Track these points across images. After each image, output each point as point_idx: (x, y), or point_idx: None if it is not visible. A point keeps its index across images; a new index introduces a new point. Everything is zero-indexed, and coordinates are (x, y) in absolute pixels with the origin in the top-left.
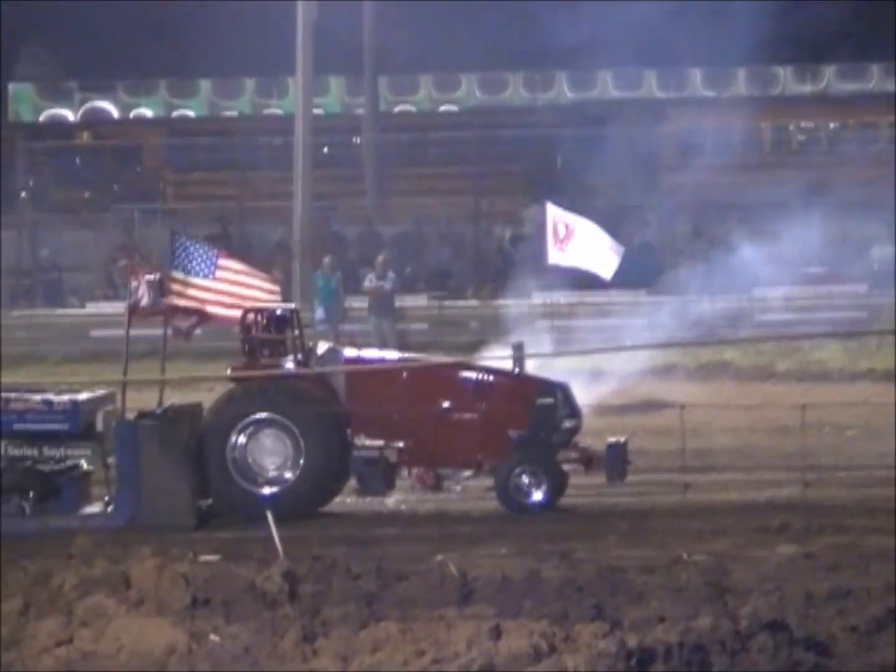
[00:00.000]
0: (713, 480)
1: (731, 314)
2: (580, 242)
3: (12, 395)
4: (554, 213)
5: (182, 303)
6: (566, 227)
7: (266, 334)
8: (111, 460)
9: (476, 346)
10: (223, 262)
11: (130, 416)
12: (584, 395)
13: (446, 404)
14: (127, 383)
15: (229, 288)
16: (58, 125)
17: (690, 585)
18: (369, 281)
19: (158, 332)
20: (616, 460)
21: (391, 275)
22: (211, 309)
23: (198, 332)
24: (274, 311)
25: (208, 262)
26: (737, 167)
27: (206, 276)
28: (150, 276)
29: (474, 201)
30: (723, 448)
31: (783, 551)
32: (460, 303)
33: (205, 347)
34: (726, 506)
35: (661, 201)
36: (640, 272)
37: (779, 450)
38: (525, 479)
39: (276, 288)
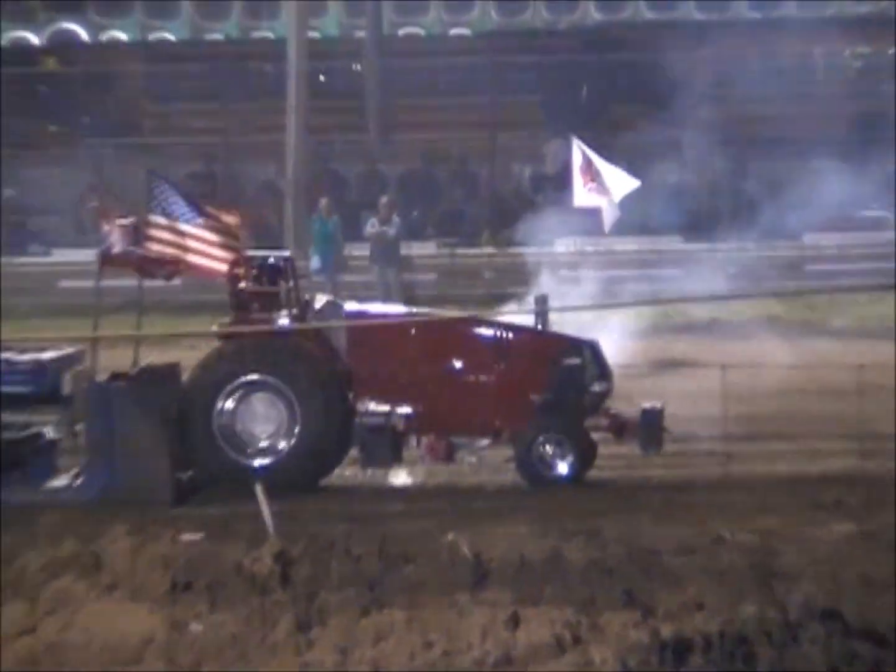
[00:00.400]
0: (759, 450)
1: (778, 263)
2: (604, 183)
3: None
4: (581, 149)
5: (161, 250)
6: (593, 164)
7: (257, 286)
8: (80, 427)
9: (492, 299)
10: (206, 209)
11: (102, 377)
12: (614, 354)
13: (460, 365)
14: (98, 340)
15: (214, 236)
16: (21, 50)
17: (733, 568)
18: (371, 226)
19: (134, 282)
20: (651, 428)
21: (396, 219)
22: (193, 258)
23: (177, 281)
24: (266, 259)
25: (190, 206)
26: (785, 98)
27: (188, 221)
28: (125, 220)
29: (489, 136)
30: (770, 414)
31: (838, 530)
32: (474, 250)
33: (186, 301)
34: (774, 479)
35: (700, 136)
36: (675, 217)
37: (833, 415)
38: (548, 449)
39: (234, 237)
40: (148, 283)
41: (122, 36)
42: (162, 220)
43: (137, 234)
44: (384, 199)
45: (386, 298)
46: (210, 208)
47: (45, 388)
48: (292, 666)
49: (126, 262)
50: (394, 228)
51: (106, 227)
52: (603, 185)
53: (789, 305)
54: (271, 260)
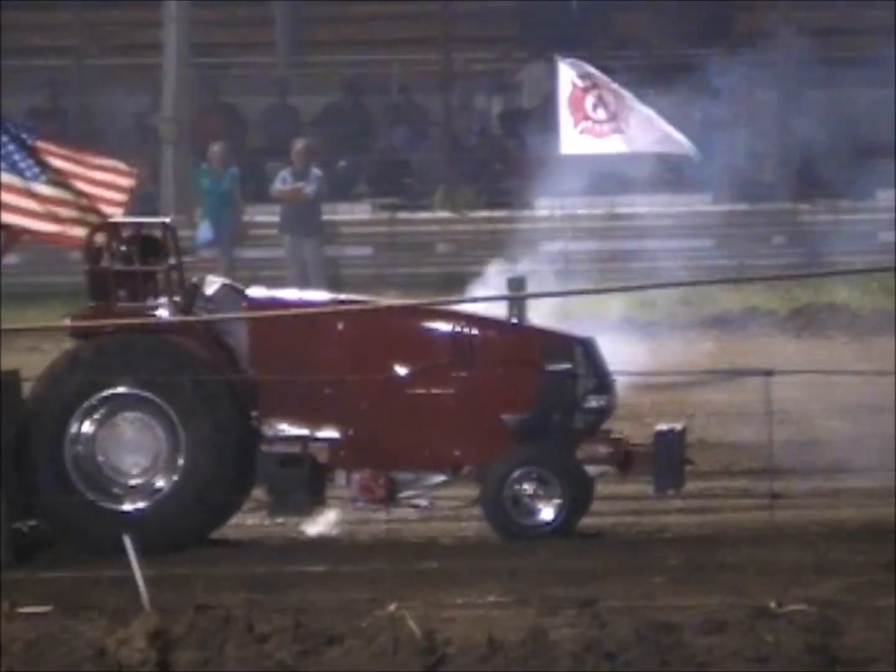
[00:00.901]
0: (815, 489)
1: (844, 230)
2: (628, 114)
3: None
4: (571, 74)
5: None
6: (589, 92)
7: (124, 264)
8: None
9: (449, 282)
10: (44, 145)
11: None
12: (616, 357)
13: (405, 373)
14: None
15: (63, 195)
16: None
17: (782, 651)
18: (282, 181)
19: None
20: (668, 459)
21: (316, 171)
22: (36, 225)
23: (11, 258)
24: (136, 228)
25: (30, 153)
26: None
27: (30, 176)
28: None
29: (443, 57)
30: (830, 439)
31: None
32: (423, 215)
33: (26, 284)
34: (835, 528)
35: (738, 57)
36: (702, 169)
37: None
38: (527, 488)
39: (128, 183)
40: None
41: None
42: None
43: None
44: (299, 144)
45: (302, 280)
46: (59, 151)
47: None
48: None
49: None
50: (312, 184)
51: None
52: (617, 117)
53: (862, 289)
54: (144, 228)
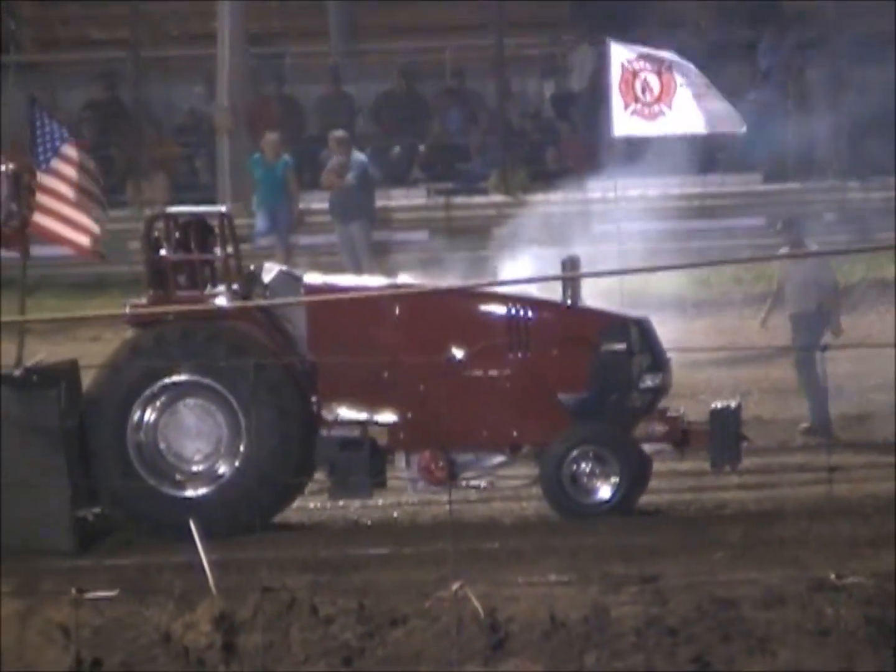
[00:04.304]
0: (873, 462)
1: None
2: (673, 95)
3: None
4: (622, 56)
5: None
6: (642, 73)
7: (182, 253)
8: None
9: (503, 265)
10: (67, 150)
11: None
12: (671, 335)
13: (462, 355)
14: None
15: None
16: None
17: (842, 624)
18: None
19: (13, 253)
20: (724, 436)
21: (359, 157)
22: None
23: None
24: (194, 217)
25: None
26: None
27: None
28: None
29: (495, 42)
30: (887, 413)
31: None
32: (478, 199)
33: (85, 274)
34: (892, 501)
35: (789, 37)
36: (753, 149)
37: None
38: (585, 467)
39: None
40: (36, 251)
41: None
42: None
43: (18, 186)
44: (331, 136)
45: (355, 265)
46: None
47: None
48: None
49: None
50: (353, 171)
51: None
52: (667, 100)
53: None
54: (201, 217)
